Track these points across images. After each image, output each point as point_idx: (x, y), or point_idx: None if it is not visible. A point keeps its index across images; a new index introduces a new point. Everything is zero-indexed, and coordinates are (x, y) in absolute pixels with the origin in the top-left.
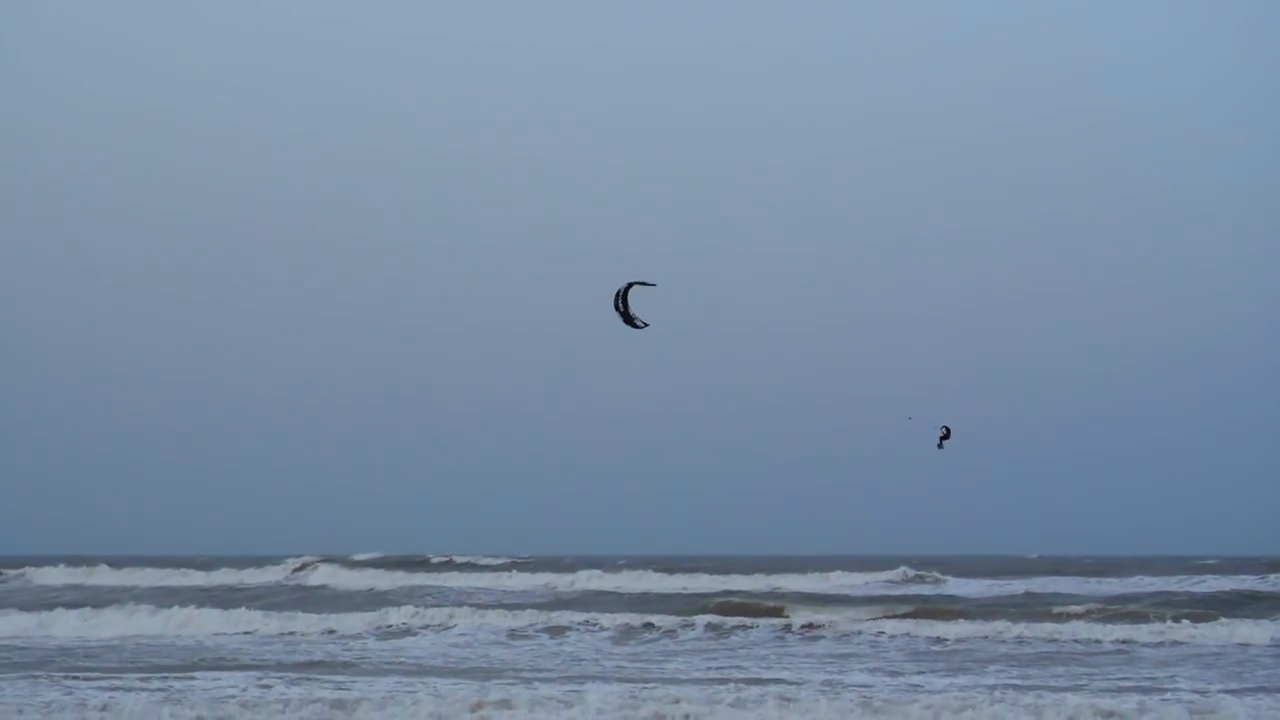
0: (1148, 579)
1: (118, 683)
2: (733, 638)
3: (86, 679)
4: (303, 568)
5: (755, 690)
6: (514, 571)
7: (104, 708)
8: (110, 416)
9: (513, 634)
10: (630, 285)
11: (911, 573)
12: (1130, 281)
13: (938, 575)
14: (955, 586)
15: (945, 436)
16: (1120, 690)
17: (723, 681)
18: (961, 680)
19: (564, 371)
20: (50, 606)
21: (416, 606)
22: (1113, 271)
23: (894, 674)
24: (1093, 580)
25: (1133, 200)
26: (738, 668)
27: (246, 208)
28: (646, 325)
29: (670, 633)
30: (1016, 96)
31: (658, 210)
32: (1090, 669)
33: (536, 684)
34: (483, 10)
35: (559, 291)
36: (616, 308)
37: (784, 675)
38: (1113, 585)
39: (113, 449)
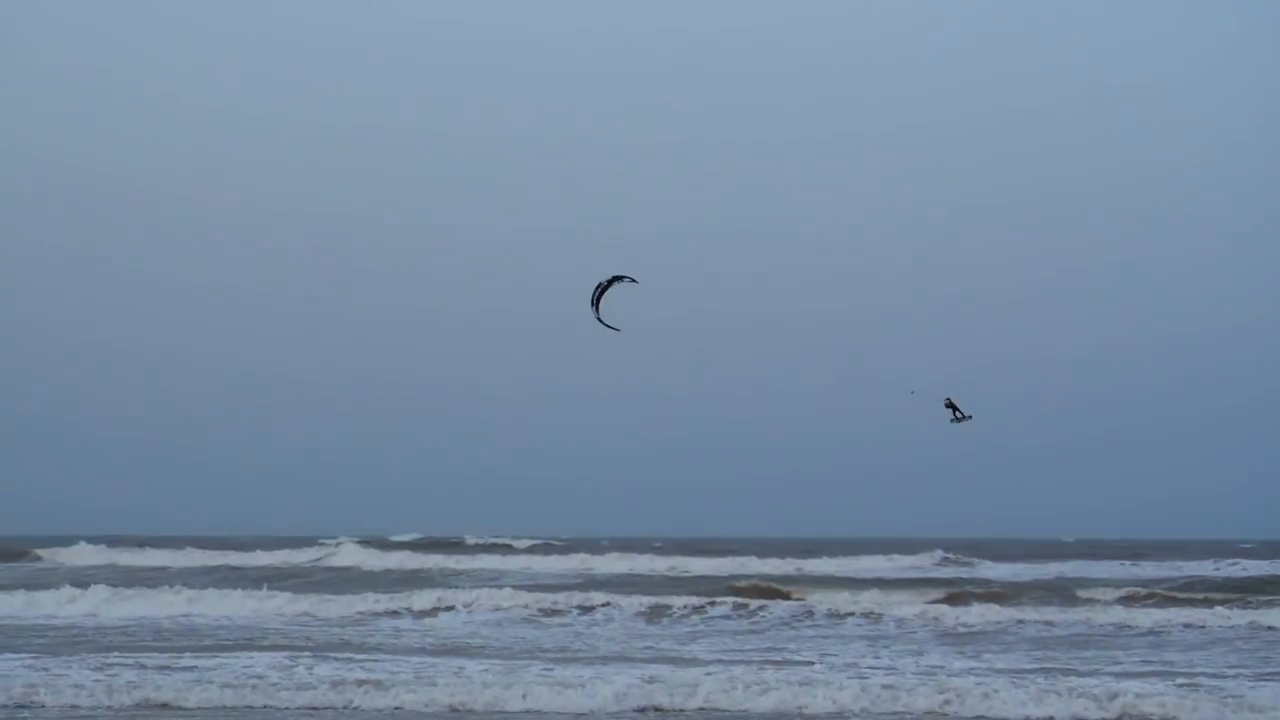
0: (1181, 563)
1: (147, 662)
2: (758, 621)
3: (115, 659)
4: (337, 549)
5: (776, 673)
6: (540, 554)
7: (133, 687)
8: (150, 399)
9: (540, 615)
10: (612, 281)
11: (942, 556)
12: (1178, 252)
13: (969, 559)
14: (987, 570)
15: (953, 408)
16: (1141, 675)
17: (745, 664)
18: (982, 664)
19: (602, 353)
20: (82, 586)
21: (443, 588)
22: (1152, 244)
23: (917, 657)
24: (1126, 564)
25: (1157, 178)
26: (761, 650)
27: (275, 196)
28: (617, 330)
29: (700, 610)
30: (1022, 79)
31: (673, 194)
32: (1115, 653)
33: (559, 666)
34: None
35: (593, 274)
36: (593, 303)
37: (806, 658)
38: (1146, 569)
39: (152, 432)
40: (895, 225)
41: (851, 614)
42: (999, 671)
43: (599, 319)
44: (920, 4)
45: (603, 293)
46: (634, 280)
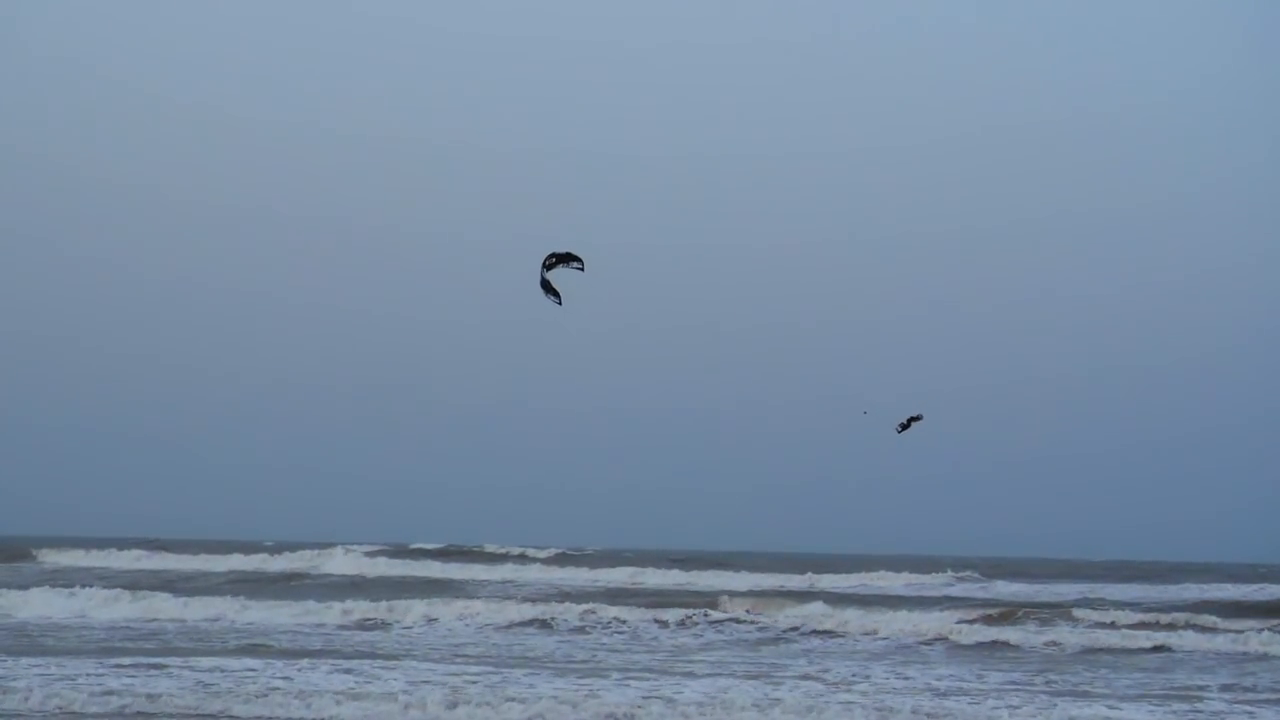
0: (1204, 585)
1: (148, 663)
2: (753, 635)
3: (107, 663)
4: (330, 555)
5: (761, 688)
6: (556, 565)
7: (127, 692)
8: (170, 403)
9: (528, 625)
10: (563, 258)
11: (961, 573)
12: (1213, 264)
13: (989, 577)
14: (1003, 588)
15: (912, 421)
16: (1138, 698)
17: (743, 677)
18: (976, 684)
19: (630, 367)
20: (81, 587)
21: (428, 597)
22: (1188, 257)
23: (912, 676)
24: (1147, 586)
25: (1184, 193)
26: (756, 666)
27: (299, 202)
28: (559, 304)
29: (693, 623)
30: (1017, 99)
31: (675, 203)
32: (1120, 675)
33: (542, 677)
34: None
35: (606, 285)
36: (545, 266)
37: (802, 674)
38: (1166, 591)
39: (173, 436)
40: (922, 236)
41: (849, 631)
42: (988, 692)
43: (546, 279)
44: (916, 22)
45: (553, 265)
46: (580, 268)
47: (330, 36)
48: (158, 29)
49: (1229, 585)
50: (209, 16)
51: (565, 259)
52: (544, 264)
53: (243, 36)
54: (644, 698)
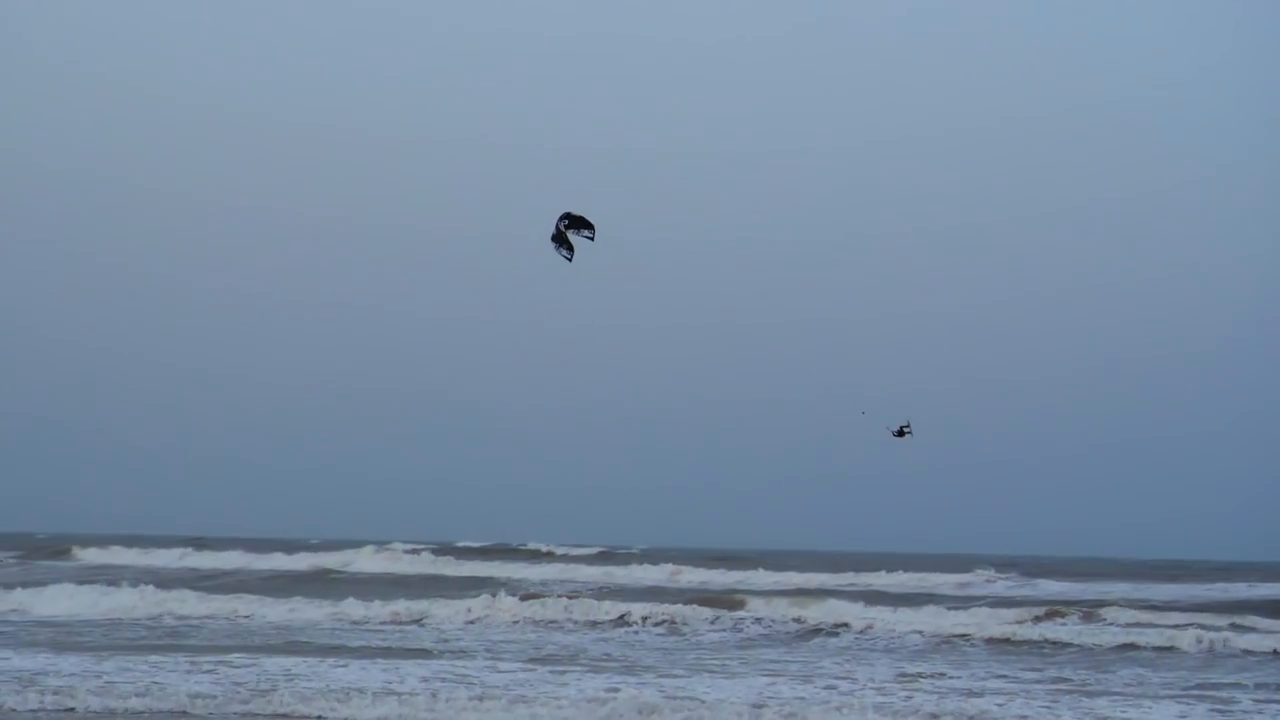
0: (1250, 584)
1: (194, 660)
2: (799, 632)
3: (151, 658)
4: (385, 554)
5: (803, 686)
6: (597, 563)
7: (160, 691)
8: (230, 411)
9: (576, 622)
10: (577, 223)
11: (1000, 572)
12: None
13: (1026, 576)
14: (1043, 587)
15: (903, 430)
16: (1170, 698)
17: (780, 675)
18: (1012, 684)
19: (675, 364)
20: (99, 583)
21: (486, 595)
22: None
23: (947, 674)
24: (1190, 585)
25: (1180, 184)
26: (795, 661)
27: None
28: (569, 259)
29: (751, 622)
30: (1015, 93)
31: (680, 200)
32: (1156, 674)
33: (591, 675)
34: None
35: (632, 286)
36: (565, 223)
37: (839, 671)
38: (1209, 590)
39: (229, 441)
40: (932, 233)
41: (888, 629)
42: (1022, 691)
43: (560, 230)
44: (911, 16)
45: (568, 226)
46: (590, 237)
47: (331, 35)
48: (158, 29)
49: (1275, 584)
50: (209, 16)
51: (578, 224)
52: (559, 221)
53: (243, 36)
54: (678, 696)
